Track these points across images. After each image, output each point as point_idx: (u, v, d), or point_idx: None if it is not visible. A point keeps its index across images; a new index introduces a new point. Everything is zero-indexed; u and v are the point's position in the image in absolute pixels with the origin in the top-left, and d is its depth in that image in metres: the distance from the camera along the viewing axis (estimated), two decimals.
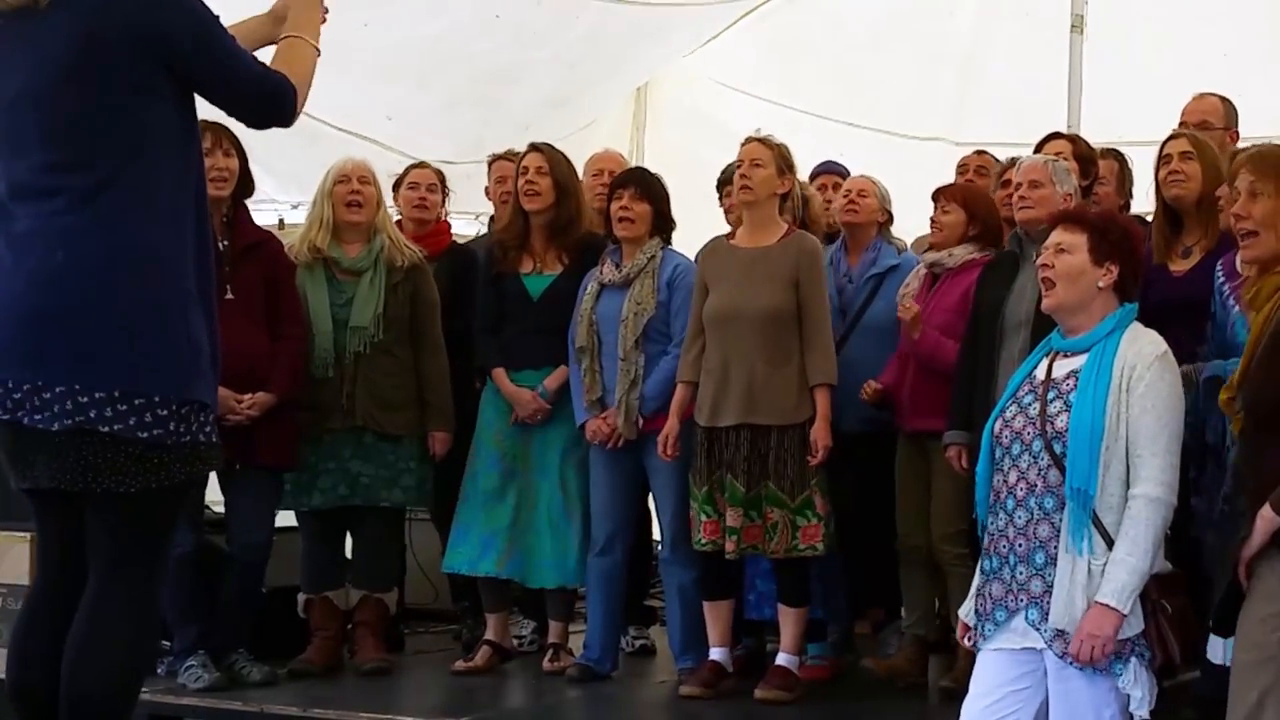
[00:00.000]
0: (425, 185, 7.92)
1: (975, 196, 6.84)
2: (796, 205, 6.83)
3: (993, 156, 7.01)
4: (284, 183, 7.64)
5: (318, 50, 4.33)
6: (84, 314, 3.92)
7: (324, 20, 4.43)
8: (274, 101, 4.18)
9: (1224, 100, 7.22)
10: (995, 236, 6.72)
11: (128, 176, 3.98)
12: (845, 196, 7.34)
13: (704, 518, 6.38)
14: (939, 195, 6.80)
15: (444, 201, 8.03)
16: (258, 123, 4.29)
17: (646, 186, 6.87)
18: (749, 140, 6.63)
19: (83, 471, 3.99)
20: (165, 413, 3.97)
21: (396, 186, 8.16)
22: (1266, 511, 4.02)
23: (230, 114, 4.30)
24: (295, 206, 9.27)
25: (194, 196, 4.16)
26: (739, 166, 6.58)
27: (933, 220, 6.76)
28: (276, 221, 7.19)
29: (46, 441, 3.97)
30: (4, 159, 4.07)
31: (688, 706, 6.35)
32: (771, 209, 6.60)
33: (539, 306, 7.02)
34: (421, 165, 8.13)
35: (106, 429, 3.92)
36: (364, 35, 8.29)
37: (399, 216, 7.97)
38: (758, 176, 6.52)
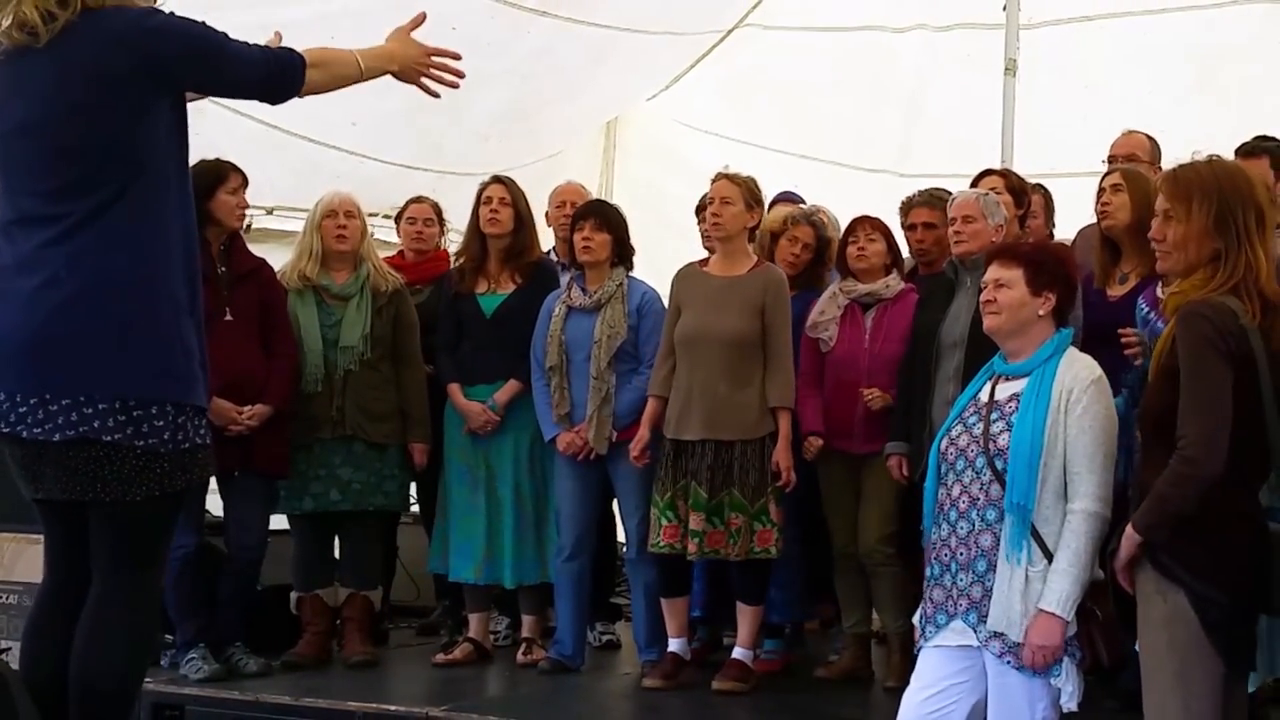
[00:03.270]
0: (422, 220, 8.04)
1: (885, 227, 6.78)
2: (764, 243, 6.89)
3: (945, 191, 6.95)
4: (258, 187, 7.65)
5: (360, 74, 4.34)
6: (89, 331, 3.93)
7: (424, 72, 4.48)
8: (278, 84, 4.20)
9: (1149, 138, 7.29)
10: (900, 258, 6.79)
11: (127, 200, 3.99)
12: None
13: (664, 522, 6.40)
14: (861, 224, 6.70)
15: (441, 232, 8.09)
16: (268, 101, 4.32)
17: (605, 217, 6.90)
18: (718, 177, 6.63)
19: (91, 482, 4.00)
20: (161, 423, 3.99)
21: (398, 219, 8.25)
22: (1129, 528, 4.04)
23: (243, 99, 4.35)
24: (270, 211, 9.29)
25: (183, 213, 4.16)
26: (710, 204, 6.59)
27: (859, 250, 6.64)
28: (245, 225, 7.25)
29: (51, 454, 3.97)
30: (9, 186, 4.08)
31: (650, 697, 6.37)
32: (742, 241, 6.62)
33: (492, 323, 7.05)
34: (419, 200, 8.19)
35: (108, 438, 3.93)
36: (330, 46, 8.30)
37: (400, 247, 8.11)
38: (728, 213, 6.55)
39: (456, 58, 4.51)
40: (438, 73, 4.52)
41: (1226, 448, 3.93)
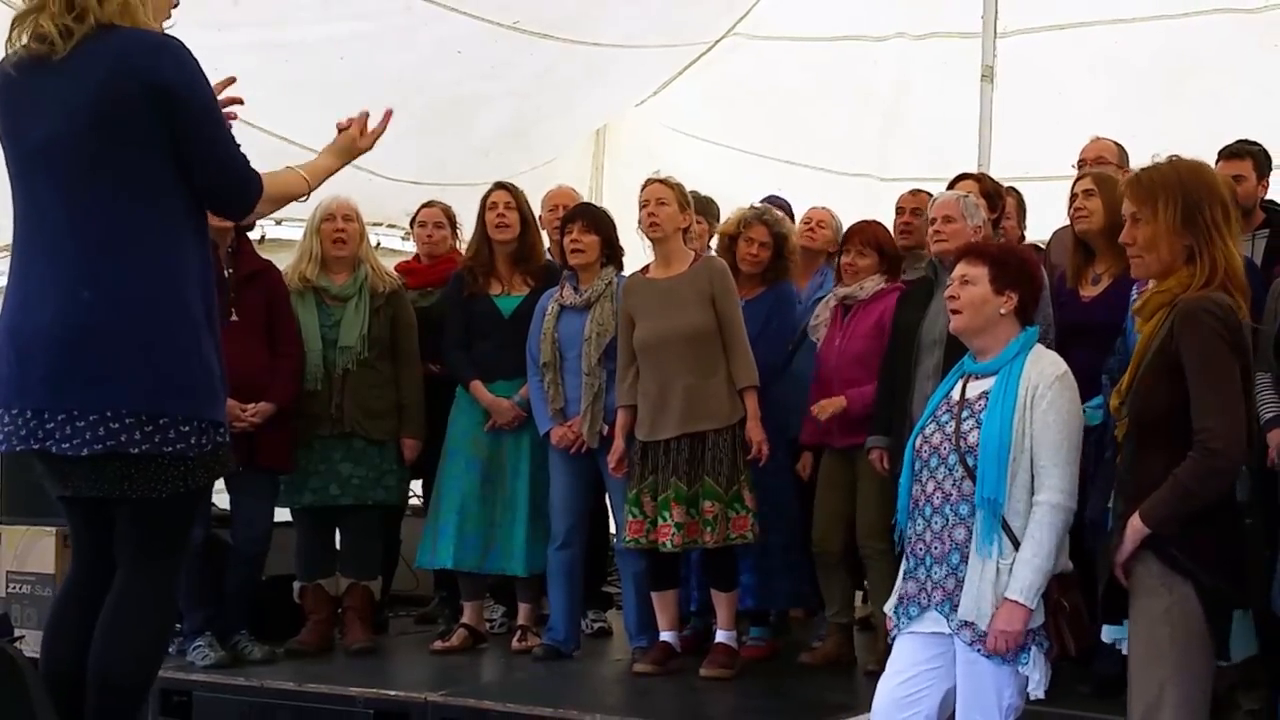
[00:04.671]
0: (433, 223, 8.03)
1: (881, 236, 6.79)
2: (693, 237, 6.90)
3: (927, 193, 6.93)
4: None
5: (308, 192, 4.38)
6: (111, 347, 3.91)
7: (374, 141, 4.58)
8: (240, 189, 4.15)
9: (1117, 144, 7.35)
10: (897, 265, 6.79)
11: (143, 217, 3.97)
12: (806, 224, 7.42)
13: (630, 518, 6.45)
14: (853, 239, 6.74)
15: (454, 235, 8.09)
16: (217, 203, 4.20)
17: (593, 219, 6.92)
18: (650, 181, 6.65)
19: (118, 481, 4.00)
20: (187, 429, 3.99)
21: (412, 224, 8.28)
22: (1135, 521, 4.01)
23: (200, 187, 4.08)
24: (279, 223, 9.32)
25: (197, 230, 4.14)
26: (644, 206, 6.61)
27: (848, 264, 6.69)
28: (259, 237, 7.23)
29: (81, 463, 3.97)
30: (31, 203, 4.05)
31: (641, 682, 6.40)
32: (678, 241, 6.64)
33: (511, 324, 7.06)
34: (430, 204, 8.19)
35: (135, 450, 3.93)
36: (339, 67, 8.27)
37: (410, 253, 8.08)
38: (663, 214, 6.56)
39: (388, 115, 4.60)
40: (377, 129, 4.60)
41: (1246, 439, 3.95)
